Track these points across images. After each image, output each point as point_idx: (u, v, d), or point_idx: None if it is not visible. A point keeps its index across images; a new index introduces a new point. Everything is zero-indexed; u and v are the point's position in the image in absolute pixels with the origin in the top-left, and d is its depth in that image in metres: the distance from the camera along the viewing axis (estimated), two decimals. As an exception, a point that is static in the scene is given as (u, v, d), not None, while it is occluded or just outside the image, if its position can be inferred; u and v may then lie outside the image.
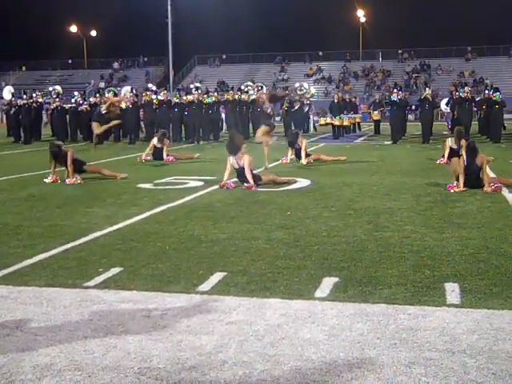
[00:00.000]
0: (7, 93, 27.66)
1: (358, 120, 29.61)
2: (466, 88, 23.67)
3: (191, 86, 27.54)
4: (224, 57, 63.28)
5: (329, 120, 25.56)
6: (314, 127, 30.32)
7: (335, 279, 5.25)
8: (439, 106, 27.88)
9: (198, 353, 3.79)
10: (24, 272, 5.64)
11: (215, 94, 25.65)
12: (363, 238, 6.78)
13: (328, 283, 5.14)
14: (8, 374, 3.52)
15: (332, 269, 5.57)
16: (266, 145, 13.94)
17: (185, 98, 24.75)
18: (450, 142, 13.62)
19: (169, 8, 44.46)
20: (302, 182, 11.43)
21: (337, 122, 25.30)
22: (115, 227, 7.59)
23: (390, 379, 3.39)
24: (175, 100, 24.85)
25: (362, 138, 25.58)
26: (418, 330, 4.08)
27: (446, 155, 13.47)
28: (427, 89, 24.40)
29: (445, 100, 28.02)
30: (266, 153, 13.79)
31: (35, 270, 5.72)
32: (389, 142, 22.04)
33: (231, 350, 3.83)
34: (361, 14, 64.39)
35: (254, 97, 24.87)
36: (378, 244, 6.51)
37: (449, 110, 25.74)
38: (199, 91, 24.89)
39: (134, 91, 26.44)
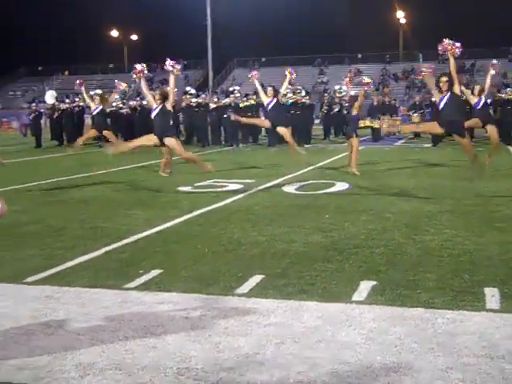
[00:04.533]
0: (50, 97, 28.21)
1: (398, 123, 29.34)
2: (508, 89, 23.28)
3: (230, 89, 27.66)
4: (263, 60, 63.39)
5: (368, 123, 25.42)
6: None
7: (373, 282, 5.25)
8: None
9: (236, 354, 3.84)
10: (67, 273, 5.78)
11: (254, 97, 25.68)
12: (402, 242, 6.76)
13: (366, 286, 5.15)
14: (52, 372, 3.62)
15: (370, 272, 5.57)
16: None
17: (223, 101, 24.90)
18: None
19: (208, 11, 44.72)
20: (342, 185, 11.42)
21: (376, 125, 25.16)
22: (156, 229, 7.70)
23: None
24: (212, 105, 24.94)
25: (401, 141, 25.39)
26: (456, 335, 4.07)
27: None
28: (468, 91, 24.05)
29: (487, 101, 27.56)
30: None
31: (77, 271, 5.85)
32: (429, 145, 21.83)
33: (268, 351, 3.87)
34: (400, 15, 63.83)
35: (292, 100, 24.83)
36: (417, 248, 6.48)
37: (491, 112, 25.34)
38: (237, 94, 24.99)
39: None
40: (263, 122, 16.10)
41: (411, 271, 5.57)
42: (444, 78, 11.01)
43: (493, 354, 3.75)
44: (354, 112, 13.09)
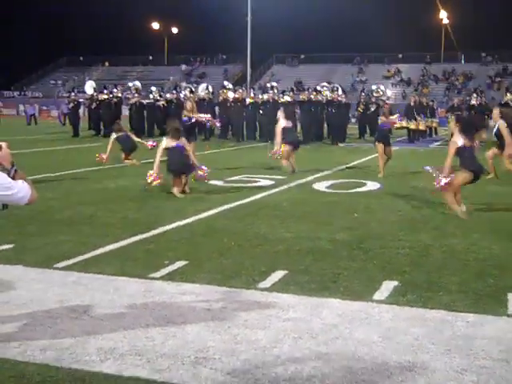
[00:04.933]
0: (89, 87, 28.58)
1: (434, 124, 29.08)
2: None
3: (268, 84, 27.70)
4: (302, 57, 63.27)
5: (404, 123, 25.20)
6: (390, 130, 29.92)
7: (395, 283, 5.26)
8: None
9: (253, 347, 3.90)
10: (95, 260, 5.91)
11: (290, 93, 25.70)
12: (428, 244, 6.74)
13: (388, 286, 5.16)
14: (74, 355, 3.73)
15: (393, 272, 5.58)
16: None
17: (260, 96, 24.96)
18: None
19: (249, 6, 44.82)
20: (373, 185, 11.39)
21: (412, 126, 24.96)
22: (184, 222, 7.80)
23: (440, 384, 3.41)
24: (249, 100, 25.01)
25: (437, 143, 25.11)
26: (474, 338, 4.07)
27: None
28: (509, 94, 23.75)
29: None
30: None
31: (105, 258, 5.98)
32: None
33: (285, 345, 3.93)
34: (443, 15, 63.08)
35: (329, 97, 24.78)
36: (443, 250, 6.46)
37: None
38: (275, 90, 25.03)
39: (211, 88, 26.80)
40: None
41: (435, 273, 5.57)
42: None
43: (509, 359, 3.75)
44: (381, 120, 13.30)
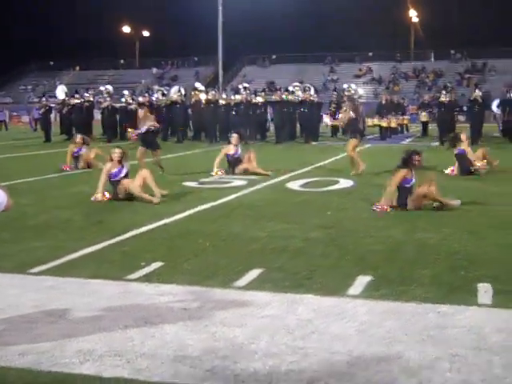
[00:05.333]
0: (61, 92, 28.39)
1: (405, 121, 29.45)
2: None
3: (239, 86, 27.78)
4: (274, 57, 63.45)
5: (376, 121, 25.49)
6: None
7: (369, 278, 5.36)
8: (490, 108, 27.45)
9: (231, 343, 3.96)
10: (71, 264, 5.92)
11: (262, 94, 25.82)
12: (400, 239, 6.86)
13: (361, 282, 5.26)
14: (53, 358, 3.75)
15: (367, 268, 5.67)
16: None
17: (233, 97, 25.02)
18: None
19: (219, 8, 44.85)
20: (345, 183, 11.51)
21: (384, 124, 25.22)
22: (159, 223, 7.83)
23: (415, 373, 3.50)
24: (222, 101, 25.06)
25: (409, 140, 25.42)
26: (446, 328, 4.17)
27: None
28: (477, 90, 24.10)
29: (496, 101, 27.56)
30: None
31: (81, 262, 6.00)
32: (436, 143, 21.86)
33: (262, 342, 3.99)
34: (413, 13, 63.69)
35: (301, 97, 24.92)
36: (415, 245, 6.59)
37: (500, 112, 25.36)
38: (247, 91, 25.11)
39: (183, 91, 26.79)
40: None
41: (407, 267, 5.68)
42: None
43: (481, 346, 3.86)
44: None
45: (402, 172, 8.62)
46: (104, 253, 6.37)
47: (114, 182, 9.73)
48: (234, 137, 13.18)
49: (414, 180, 8.69)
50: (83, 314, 4.56)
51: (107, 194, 9.67)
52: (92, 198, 9.63)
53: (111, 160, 9.79)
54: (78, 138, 14.78)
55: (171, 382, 3.45)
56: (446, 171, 12.86)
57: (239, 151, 13.19)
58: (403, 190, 8.61)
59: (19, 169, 14.87)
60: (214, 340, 4.03)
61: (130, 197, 9.55)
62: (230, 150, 13.17)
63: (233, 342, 3.99)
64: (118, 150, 9.83)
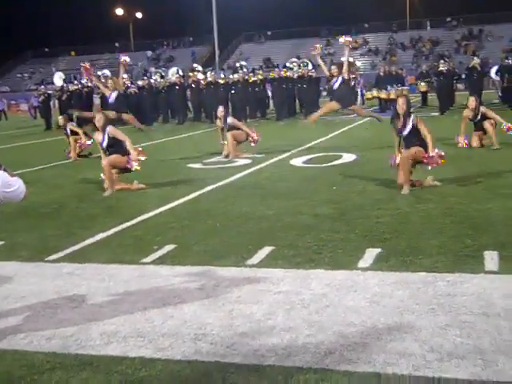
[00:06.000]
0: (58, 79, 28.36)
1: (405, 92, 29.36)
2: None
3: (237, 64, 27.75)
4: (269, 33, 63.14)
5: (375, 93, 25.49)
6: (363, 101, 30.24)
7: (378, 250, 5.50)
8: (488, 75, 27.41)
9: (249, 320, 4.11)
10: (86, 250, 6.07)
11: (260, 71, 25.81)
12: (407, 211, 6.99)
13: (371, 254, 5.39)
14: (79, 341, 3.91)
15: (375, 240, 5.81)
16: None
17: (231, 77, 25.01)
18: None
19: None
20: (349, 157, 11.62)
21: (383, 95, 25.21)
22: (168, 206, 7.96)
23: (426, 340, 3.64)
24: (221, 81, 25.03)
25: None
26: (455, 296, 4.32)
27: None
28: (475, 57, 24.07)
29: (495, 68, 27.49)
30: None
31: (95, 248, 6.14)
32: (436, 114, 21.90)
33: (279, 317, 4.14)
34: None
35: (299, 73, 24.90)
36: (421, 216, 6.71)
37: (499, 79, 25.32)
38: (244, 70, 25.09)
39: (181, 72, 26.79)
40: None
41: (415, 238, 5.81)
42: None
43: (489, 312, 4.00)
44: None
45: None
46: (117, 238, 6.51)
47: (103, 149, 9.71)
48: (219, 110, 13.29)
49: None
50: (103, 298, 4.71)
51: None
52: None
53: (97, 129, 9.79)
54: (60, 118, 14.91)
55: (193, 360, 3.59)
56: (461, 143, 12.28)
57: (228, 120, 13.09)
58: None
59: (24, 158, 14.98)
60: (232, 317, 4.18)
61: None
62: (219, 122, 13.29)
63: (250, 318, 4.14)
64: (98, 116, 9.69)
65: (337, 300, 4.38)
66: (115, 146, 9.44)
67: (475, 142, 12.24)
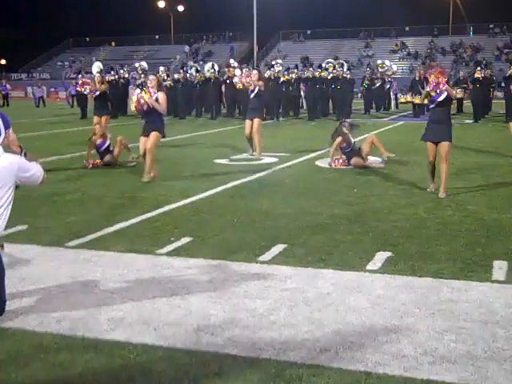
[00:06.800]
0: (96, 69, 28.76)
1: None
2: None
3: (273, 62, 27.82)
4: (308, 32, 63.03)
5: (409, 98, 25.35)
6: (396, 105, 30.12)
7: (388, 254, 5.57)
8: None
9: (252, 314, 4.23)
10: (105, 238, 6.25)
11: (295, 70, 25.84)
12: (423, 216, 7.03)
13: (381, 257, 5.47)
14: (86, 325, 4.07)
15: (387, 244, 5.88)
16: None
17: (265, 74, 25.08)
18: None
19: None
20: (374, 160, 11.61)
21: (417, 100, 25.02)
22: (189, 200, 8.12)
23: (421, 343, 3.72)
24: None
25: (443, 116, 25.20)
26: (457, 302, 4.38)
27: None
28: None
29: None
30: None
31: (114, 237, 6.31)
32: (470, 121, 21.73)
33: (281, 313, 4.25)
34: (450, -13, 62.48)
35: (333, 74, 24.87)
36: (437, 222, 6.75)
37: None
38: (276, 68, 25.06)
39: (216, 67, 26.97)
40: None
41: (426, 244, 5.87)
42: None
43: (488, 320, 4.06)
44: None
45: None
46: (136, 228, 6.68)
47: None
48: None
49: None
50: (115, 285, 4.87)
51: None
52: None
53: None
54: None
55: (193, 349, 3.73)
56: None
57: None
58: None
59: (56, 145, 15.30)
60: (236, 311, 4.30)
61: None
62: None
63: (253, 313, 4.26)
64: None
65: (340, 300, 4.47)
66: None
67: None
